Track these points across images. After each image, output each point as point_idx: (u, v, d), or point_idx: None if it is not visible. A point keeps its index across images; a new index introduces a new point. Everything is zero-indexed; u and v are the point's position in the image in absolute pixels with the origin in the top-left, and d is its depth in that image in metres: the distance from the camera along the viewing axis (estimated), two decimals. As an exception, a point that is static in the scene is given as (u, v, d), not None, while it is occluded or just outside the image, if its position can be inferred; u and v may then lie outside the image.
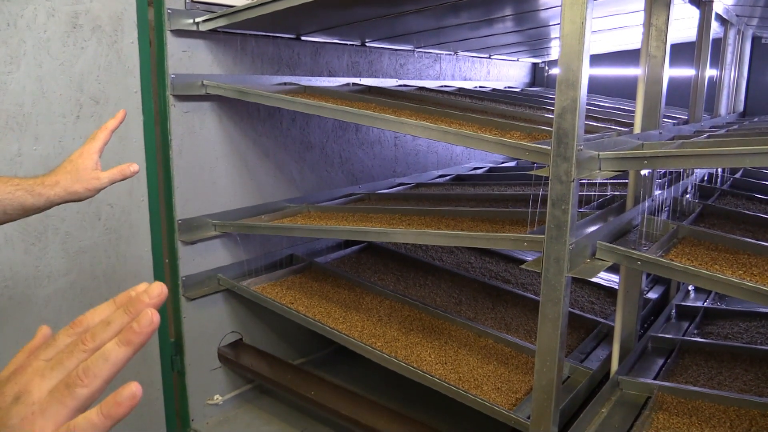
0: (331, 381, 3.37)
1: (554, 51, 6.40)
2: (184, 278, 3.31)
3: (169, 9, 3.03)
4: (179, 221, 3.25)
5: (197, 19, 3.12)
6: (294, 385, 3.32)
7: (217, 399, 3.58)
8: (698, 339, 3.32)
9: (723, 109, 5.16)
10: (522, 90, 6.64)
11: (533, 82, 7.47)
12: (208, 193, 3.39)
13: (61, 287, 2.80)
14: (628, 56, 6.76)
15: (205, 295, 3.43)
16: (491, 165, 5.94)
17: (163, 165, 3.16)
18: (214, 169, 3.41)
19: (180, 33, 3.11)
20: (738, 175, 4.57)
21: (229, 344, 3.62)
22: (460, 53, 5.79)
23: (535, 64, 7.45)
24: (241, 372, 3.64)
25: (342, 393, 3.21)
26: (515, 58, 6.94)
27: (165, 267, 3.26)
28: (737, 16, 4.89)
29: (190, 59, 3.18)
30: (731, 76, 5.51)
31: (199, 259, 3.40)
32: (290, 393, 3.35)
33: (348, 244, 4.40)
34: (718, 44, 4.84)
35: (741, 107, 6.14)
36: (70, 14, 2.67)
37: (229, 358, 3.56)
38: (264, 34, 3.61)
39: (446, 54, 5.58)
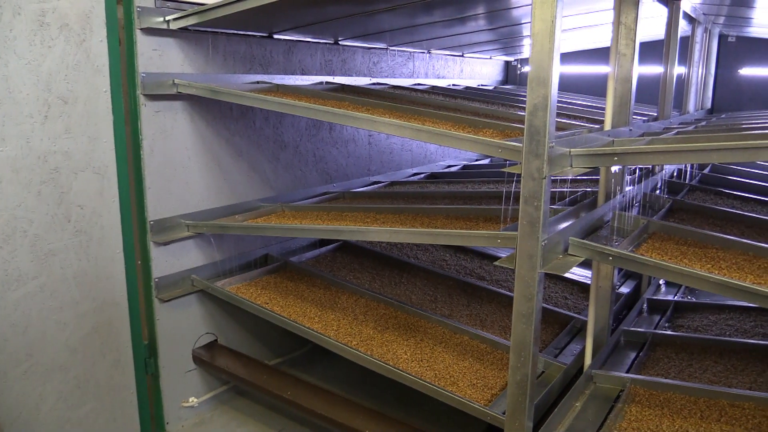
0: (307, 381, 3.36)
1: (526, 49, 6.45)
2: (156, 280, 3.27)
3: (138, 7, 2.99)
4: (151, 222, 3.21)
5: (168, 18, 3.08)
6: (270, 386, 3.30)
7: (193, 401, 3.55)
8: (669, 332, 3.38)
9: (691, 106, 5.25)
10: (495, 88, 6.69)
11: (506, 80, 7.53)
12: (181, 194, 3.36)
13: (31, 291, 2.75)
14: (599, 54, 6.85)
15: (178, 297, 3.40)
16: (465, 162, 5.97)
17: (134, 165, 3.12)
18: (187, 169, 3.37)
19: (150, 31, 3.07)
20: (706, 171, 4.66)
21: (204, 345, 3.59)
22: (434, 51, 5.81)
23: (507, 62, 7.50)
24: (217, 373, 3.61)
25: (318, 392, 3.21)
26: (488, 56, 6.98)
27: (137, 268, 3.22)
28: (704, 14, 4.98)
29: (160, 58, 3.15)
30: (699, 74, 5.62)
31: (172, 260, 3.37)
32: (266, 393, 3.33)
33: (323, 243, 4.39)
34: (686, 42, 4.92)
35: (709, 104, 6.27)
36: (37, 12, 2.62)
37: (204, 360, 3.53)
38: (236, 32, 3.58)
39: (419, 52, 5.60)
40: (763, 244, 2.51)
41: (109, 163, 2.98)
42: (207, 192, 3.51)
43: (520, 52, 6.99)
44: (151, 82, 3.09)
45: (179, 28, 3.14)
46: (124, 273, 3.14)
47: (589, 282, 3.36)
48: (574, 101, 5.31)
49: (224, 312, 3.69)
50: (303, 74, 4.16)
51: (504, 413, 2.43)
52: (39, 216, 2.74)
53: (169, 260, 3.35)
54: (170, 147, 3.26)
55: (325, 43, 4.38)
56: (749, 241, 2.54)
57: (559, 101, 2.51)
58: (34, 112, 2.66)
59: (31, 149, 2.67)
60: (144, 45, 3.06)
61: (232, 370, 3.46)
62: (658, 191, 3.61)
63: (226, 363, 3.51)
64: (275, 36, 3.87)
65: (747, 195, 3.81)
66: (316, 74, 4.28)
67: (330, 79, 4.30)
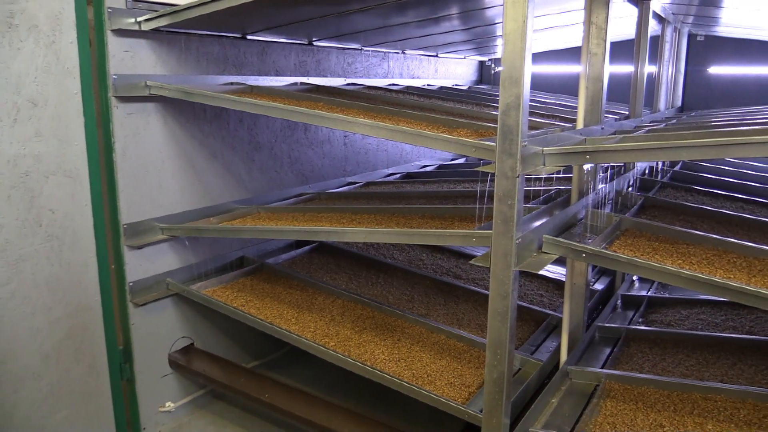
0: (285, 383, 3.35)
1: (500, 49, 6.49)
2: (131, 284, 3.24)
3: (109, 8, 2.95)
4: (125, 225, 3.17)
5: (139, 18, 3.05)
6: (247, 389, 3.28)
7: (169, 406, 3.52)
8: (643, 327, 3.43)
9: (662, 104, 5.33)
10: (469, 88, 6.72)
11: (480, 80, 7.57)
12: (155, 196, 3.32)
13: (2, 297, 2.70)
14: (571, 54, 6.92)
15: (153, 301, 3.36)
16: (441, 162, 5.99)
17: (106, 168, 3.08)
18: (161, 172, 3.34)
19: (121, 32, 3.03)
20: (677, 168, 4.73)
21: (180, 350, 3.56)
22: (408, 52, 5.82)
23: (481, 62, 7.54)
24: (194, 377, 3.58)
25: (296, 394, 3.20)
26: (462, 56, 7.01)
27: (111, 273, 3.18)
28: (674, 14, 5.05)
29: (132, 59, 3.11)
30: (669, 72, 5.70)
31: (147, 263, 3.33)
32: (244, 397, 3.31)
33: (299, 244, 4.38)
34: (657, 41, 4.99)
35: (679, 102, 6.36)
36: (5, 14, 2.57)
37: (181, 364, 3.50)
38: (209, 33, 3.56)
39: (394, 52, 5.61)
40: (732, 240, 2.56)
41: (81, 167, 2.94)
42: (181, 194, 3.48)
43: (494, 52, 7.03)
44: (123, 83, 3.05)
45: (151, 29, 3.11)
46: (97, 277, 3.10)
47: (563, 279, 3.40)
48: (546, 100, 5.36)
49: (200, 315, 3.66)
50: (277, 75, 4.15)
51: (481, 411, 2.44)
52: (9, 221, 2.69)
53: (143, 264, 3.31)
54: (143, 149, 3.22)
55: (300, 44, 4.37)
56: (719, 237, 2.59)
57: (531, 100, 2.54)
58: (3, 115, 2.62)
59: (1, 153, 2.62)
60: (115, 46, 3.02)
61: (209, 373, 3.44)
62: (630, 188, 3.66)
63: (203, 367, 3.49)
64: (249, 37, 3.84)
65: (717, 191, 3.88)
66: (290, 75, 4.27)
67: (304, 79, 4.29)
